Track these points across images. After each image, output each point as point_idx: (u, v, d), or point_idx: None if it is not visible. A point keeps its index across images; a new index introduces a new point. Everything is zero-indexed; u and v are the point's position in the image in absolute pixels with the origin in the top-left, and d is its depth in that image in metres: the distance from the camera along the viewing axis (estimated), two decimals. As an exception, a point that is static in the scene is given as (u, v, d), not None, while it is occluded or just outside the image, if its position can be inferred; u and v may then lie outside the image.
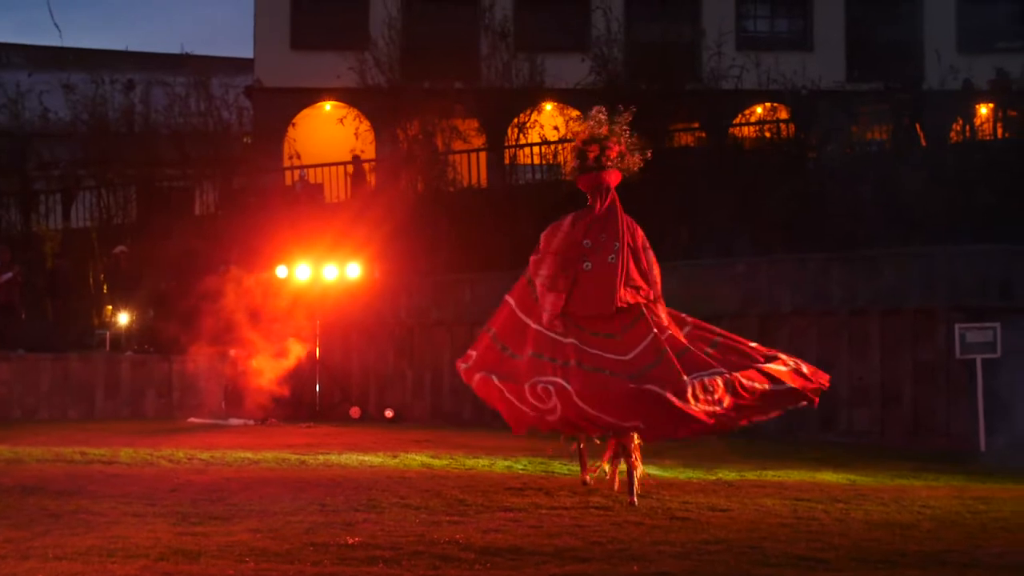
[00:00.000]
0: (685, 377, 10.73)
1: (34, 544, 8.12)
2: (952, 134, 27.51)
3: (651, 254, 12.16)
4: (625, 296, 11.60)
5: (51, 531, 8.67)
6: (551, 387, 10.84)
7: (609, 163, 12.20)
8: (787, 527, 9.40)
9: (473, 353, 11.98)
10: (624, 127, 12.27)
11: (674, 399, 10.58)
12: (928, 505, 10.62)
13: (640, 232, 12.21)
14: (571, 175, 12.48)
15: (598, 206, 12.10)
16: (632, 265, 11.83)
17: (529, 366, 11.24)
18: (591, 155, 12.18)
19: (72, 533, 8.59)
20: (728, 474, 12.90)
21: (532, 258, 12.27)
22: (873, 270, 18.48)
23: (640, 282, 11.79)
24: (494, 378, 11.38)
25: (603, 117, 12.22)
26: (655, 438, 11.48)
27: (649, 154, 12.55)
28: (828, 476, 12.83)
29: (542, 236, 12.27)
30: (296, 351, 20.41)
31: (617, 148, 12.24)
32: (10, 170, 30.77)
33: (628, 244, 11.90)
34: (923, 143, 26.23)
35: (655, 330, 11.35)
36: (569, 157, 12.46)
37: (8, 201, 30.42)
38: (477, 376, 11.65)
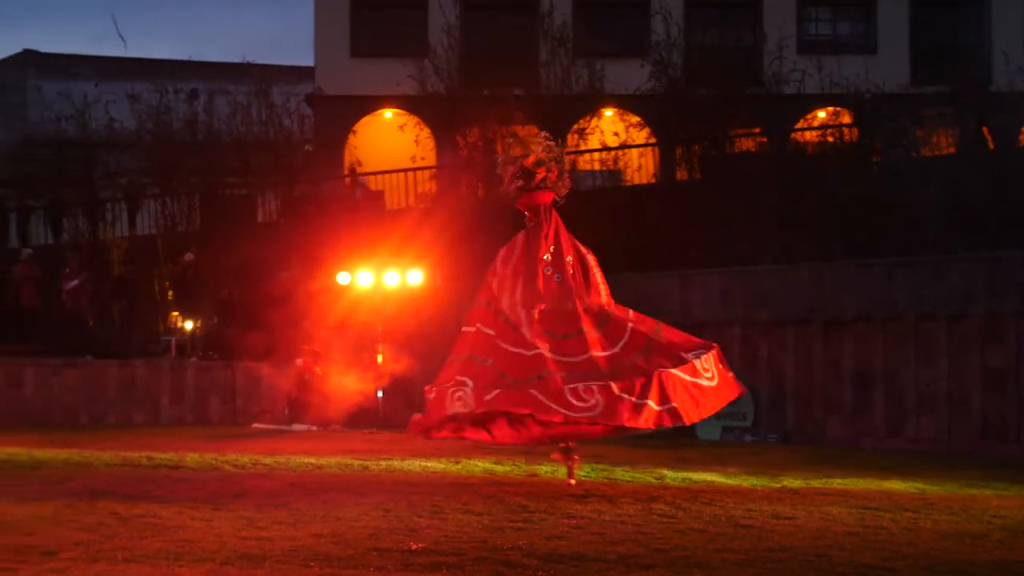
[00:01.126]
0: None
1: (103, 547, 8.19)
2: (1021, 137, 27.20)
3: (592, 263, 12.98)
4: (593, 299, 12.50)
5: (119, 534, 8.74)
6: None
7: (550, 184, 12.88)
8: (854, 536, 9.31)
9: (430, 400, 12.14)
10: (563, 152, 13.05)
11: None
12: (999, 515, 10.48)
13: (581, 246, 12.98)
14: (514, 193, 13.11)
15: (547, 225, 12.85)
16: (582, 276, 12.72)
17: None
18: (538, 176, 12.82)
19: (140, 536, 8.65)
20: (793, 482, 12.81)
21: (492, 281, 12.92)
22: (939, 275, 18.31)
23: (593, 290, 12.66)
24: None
25: (551, 143, 12.92)
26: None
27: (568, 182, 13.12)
28: (895, 484, 12.70)
29: (498, 259, 13.01)
30: (360, 357, 20.48)
31: (558, 170, 12.94)
32: (78, 179, 31.10)
33: (575, 257, 12.79)
34: (990, 146, 25.95)
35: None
36: (509, 176, 12.97)
37: (76, 210, 30.75)
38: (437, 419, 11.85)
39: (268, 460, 14.03)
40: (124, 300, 25.19)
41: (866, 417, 18.16)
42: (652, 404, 11.42)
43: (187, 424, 21.14)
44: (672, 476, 13.04)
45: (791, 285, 19.75)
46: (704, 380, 11.96)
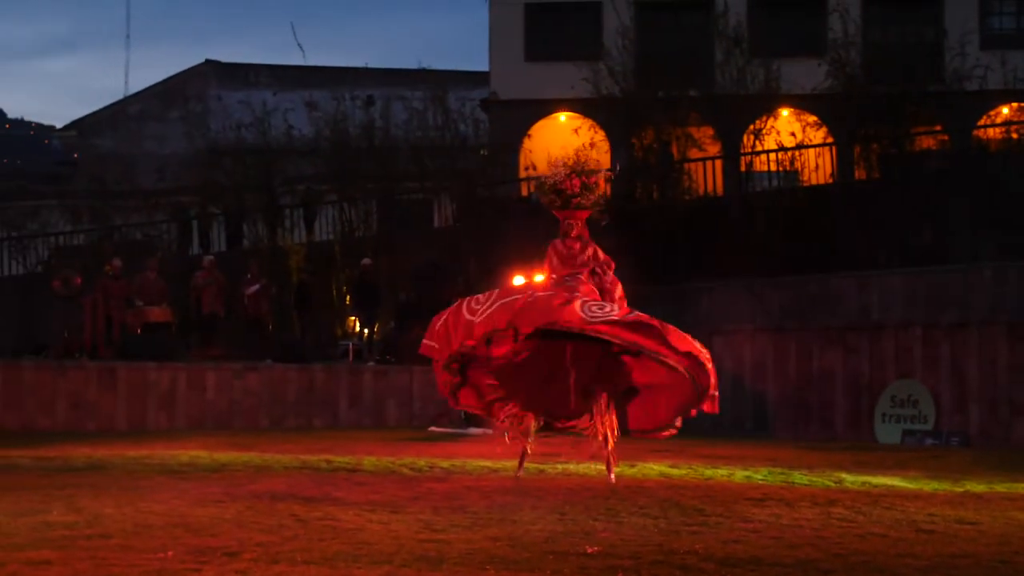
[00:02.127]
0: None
1: (283, 548, 8.30)
2: None
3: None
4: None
5: (299, 536, 8.85)
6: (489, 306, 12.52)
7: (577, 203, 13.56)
8: (1042, 541, 9.02)
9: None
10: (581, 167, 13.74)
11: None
12: None
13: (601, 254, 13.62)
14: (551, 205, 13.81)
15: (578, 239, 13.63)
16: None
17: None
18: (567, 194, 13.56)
19: (319, 538, 8.75)
20: (976, 486, 12.46)
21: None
22: None
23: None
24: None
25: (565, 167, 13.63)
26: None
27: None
28: (1086, 488, 12.28)
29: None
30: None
31: (580, 183, 13.56)
32: (257, 186, 31.76)
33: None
34: None
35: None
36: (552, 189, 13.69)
37: (256, 216, 31.39)
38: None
39: (445, 463, 14.11)
40: (304, 306, 25.65)
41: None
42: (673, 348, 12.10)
43: (365, 427, 21.40)
44: (851, 480, 12.79)
45: (974, 286, 19.28)
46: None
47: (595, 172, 13.76)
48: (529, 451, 13.12)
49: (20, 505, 10.30)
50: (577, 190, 13.51)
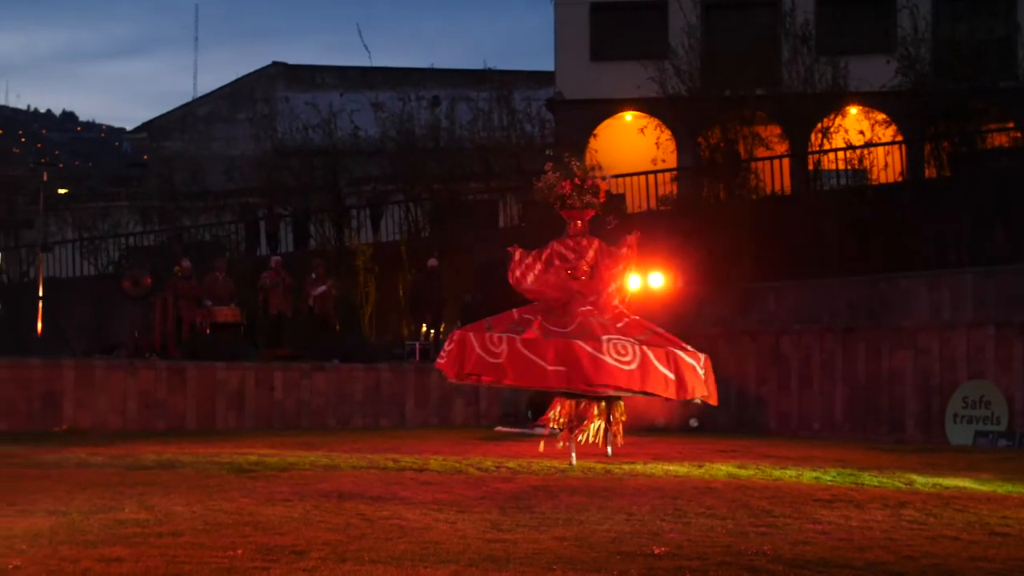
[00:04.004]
0: (603, 337, 13.73)
1: (350, 548, 8.33)
2: None
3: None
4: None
5: (366, 535, 8.88)
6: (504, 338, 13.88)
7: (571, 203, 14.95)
8: (1118, 544, 8.89)
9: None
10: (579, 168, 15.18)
11: (590, 350, 13.56)
12: None
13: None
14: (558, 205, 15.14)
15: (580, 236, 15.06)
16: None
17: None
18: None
19: (386, 538, 8.78)
20: (1051, 488, 12.31)
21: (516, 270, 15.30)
22: None
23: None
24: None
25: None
26: (578, 383, 13.80)
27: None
28: None
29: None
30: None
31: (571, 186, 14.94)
32: (324, 187, 31.90)
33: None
34: None
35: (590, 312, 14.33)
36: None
37: (323, 217, 31.54)
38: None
39: (511, 463, 14.12)
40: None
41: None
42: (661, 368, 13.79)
43: (431, 427, 21.46)
44: (922, 481, 12.67)
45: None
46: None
47: (587, 175, 14.93)
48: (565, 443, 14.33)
49: (93, 503, 10.41)
50: (568, 192, 14.71)
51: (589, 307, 14.37)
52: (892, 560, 8.19)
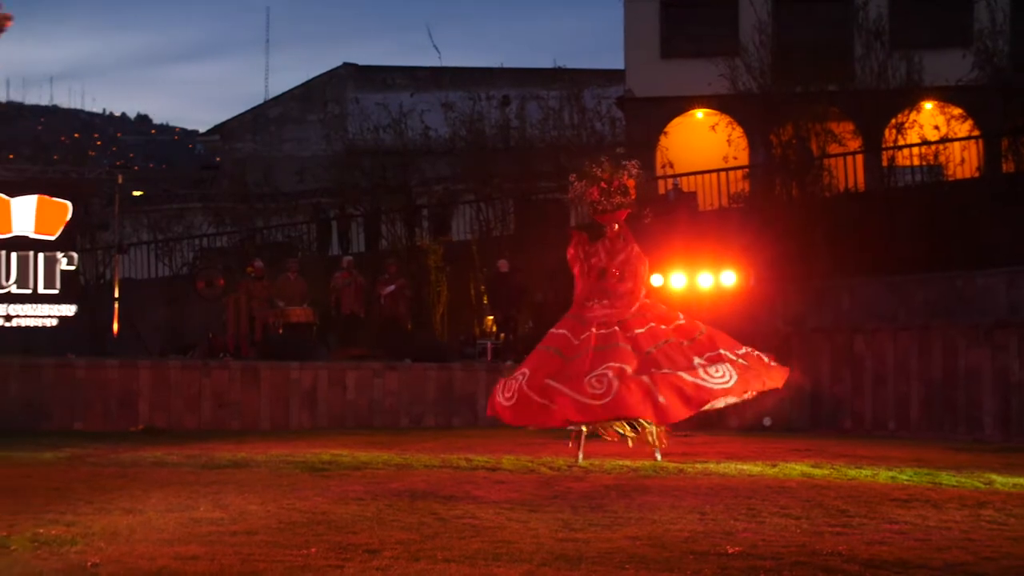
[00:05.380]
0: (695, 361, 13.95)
1: (424, 546, 8.35)
2: None
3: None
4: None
5: (439, 534, 8.89)
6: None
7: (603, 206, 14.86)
8: None
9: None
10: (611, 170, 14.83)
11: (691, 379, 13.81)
12: None
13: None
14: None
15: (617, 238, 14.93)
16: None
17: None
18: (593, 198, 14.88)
19: (459, 536, 8.78)
20: None
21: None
22: None
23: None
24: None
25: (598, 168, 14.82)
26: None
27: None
28: None
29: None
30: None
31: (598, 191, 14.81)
32: (395, 187, 32.01)
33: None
34: None
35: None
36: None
37: (394, 216, 31.65)
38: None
39: (584, 463, 14.10)
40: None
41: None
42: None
43: (504, 426, 21.36)
44: (1002, 481, 12.50)
45: None
46: (711, 382, 13.89)
47: (615, 174, 14.67)
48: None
49: (169, 501, 10.50)
50: (597, 197, 14.66)
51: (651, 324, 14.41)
52: (971, 561, 8.08)
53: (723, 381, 13.89)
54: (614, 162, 14.96)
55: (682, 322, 14.67)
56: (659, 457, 14.27)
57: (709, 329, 14.71)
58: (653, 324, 14.39)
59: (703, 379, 13.84)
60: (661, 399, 13.61)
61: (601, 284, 14.58)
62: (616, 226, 14.78)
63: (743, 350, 14.54)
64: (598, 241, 14.88)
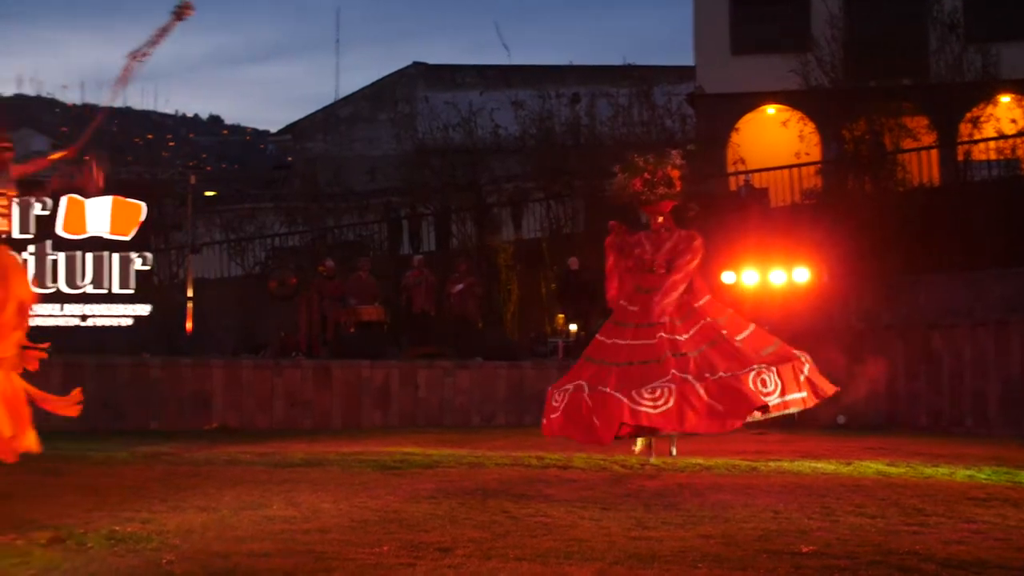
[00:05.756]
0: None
1: (495, 545, 8.33)
2: None
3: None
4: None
5: (511, 533, 8.87)
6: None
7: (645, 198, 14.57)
8: None
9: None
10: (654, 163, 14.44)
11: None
12: None
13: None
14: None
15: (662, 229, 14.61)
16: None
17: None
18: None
19: (531, 535, 8.76)
20: None
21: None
22: None
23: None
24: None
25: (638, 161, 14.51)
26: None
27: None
28: None
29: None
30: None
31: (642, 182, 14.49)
32: (465, 185, 32.06)
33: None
34: None
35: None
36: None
37: (464, 215, 31.71)
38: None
39: (656, 461, 14.02)
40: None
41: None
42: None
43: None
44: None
45: None
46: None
47: (659, 164, 14.32)
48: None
49: (242, 499, 10.55)
50: (640, 188, 14.34)
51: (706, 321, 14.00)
52: (1052, 561, 7.95)
53: (774, 391, 13.48)
54: (658, 154, 14.67)
55: (729, 321, 14.27)
56: (674, 452, 14.22)
57: (757, 328, 14.39)
58: (708, 319, 14.03)
59: (761, 387, 13.42)
60: (719, 408, 13.25)
61: (648, 278, 14.27)
62: (660, 218, 14.51)
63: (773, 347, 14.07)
64: (641, 233, 14.68)
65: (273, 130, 68.84)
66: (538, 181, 31.81)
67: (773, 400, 13.38)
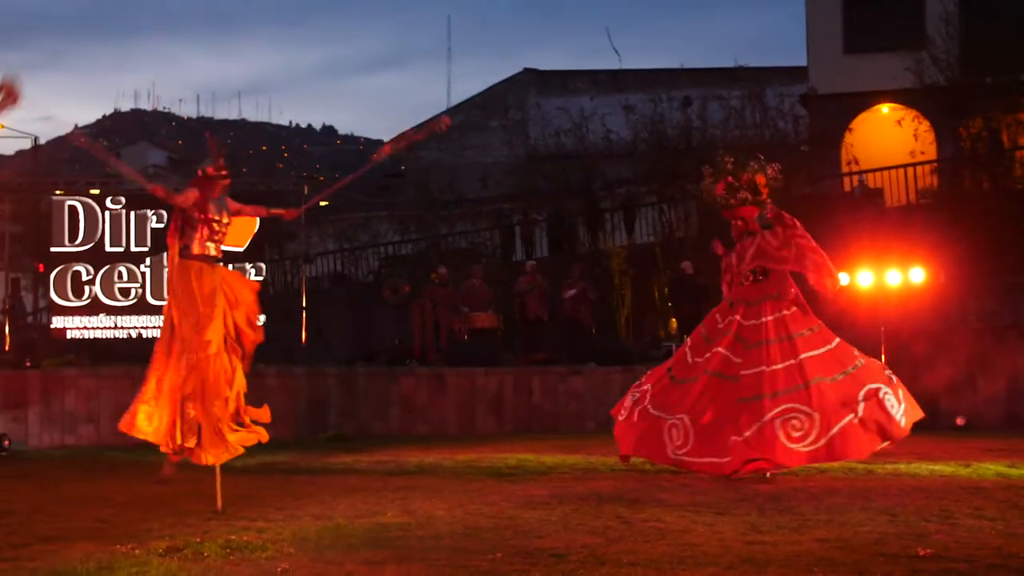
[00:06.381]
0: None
1: (609, 550, 8.35)
2: None
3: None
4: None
5: (624, 538, 8.89)
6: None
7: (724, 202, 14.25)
8: None
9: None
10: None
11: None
12: None
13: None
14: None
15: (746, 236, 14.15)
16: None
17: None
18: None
19: (644, 540, 8.77)
20: None
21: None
22: None
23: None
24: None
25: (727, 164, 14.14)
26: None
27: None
28: None
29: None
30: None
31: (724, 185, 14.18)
32: (577, 191, 32.08)
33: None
34: None
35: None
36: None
37: (576, 221, 31.72)
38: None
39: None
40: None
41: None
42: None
43: (689, 428, 21.27)
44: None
45: None
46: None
47: (746, 169, 13.93)
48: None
49: (357, 507, 10.68)
50: (721, 192, 14.07)
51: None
52: None
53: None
54: (750, 159, 14.12)
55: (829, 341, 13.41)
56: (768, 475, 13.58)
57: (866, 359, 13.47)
58: (804, 332, 13.28)
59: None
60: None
61: (737, 291, 13.94)
62: (740, 223, 14.05)
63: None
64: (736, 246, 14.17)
65: (386, 139, 69.33)
66: (650, 185, 31.72)
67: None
